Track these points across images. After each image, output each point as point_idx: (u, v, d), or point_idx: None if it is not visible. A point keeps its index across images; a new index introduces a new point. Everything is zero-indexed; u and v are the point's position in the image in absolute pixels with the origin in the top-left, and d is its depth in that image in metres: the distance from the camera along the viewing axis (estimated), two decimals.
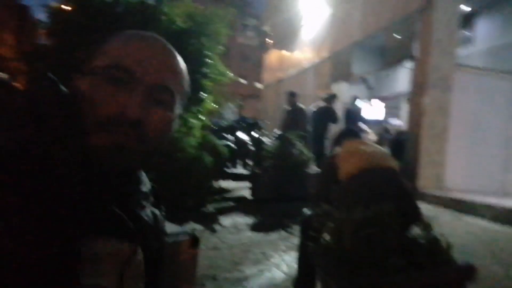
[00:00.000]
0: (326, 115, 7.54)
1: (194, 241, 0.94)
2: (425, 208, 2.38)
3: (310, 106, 8.80)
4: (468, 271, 1.75)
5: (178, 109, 0.71)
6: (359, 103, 9.43)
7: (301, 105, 7.50)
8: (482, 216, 4.71)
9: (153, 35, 0.70)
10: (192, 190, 4.52)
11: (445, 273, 1.68)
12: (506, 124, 6.89)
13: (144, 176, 0.75)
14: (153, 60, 0.65)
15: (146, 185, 0.75)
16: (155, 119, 0.64)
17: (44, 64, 4.41)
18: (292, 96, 7.63)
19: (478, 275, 1.77)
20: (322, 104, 7.83)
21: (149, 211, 0.73)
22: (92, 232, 0.57)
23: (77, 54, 3.61)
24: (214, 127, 6.92)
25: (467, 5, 11.95)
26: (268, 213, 4.91)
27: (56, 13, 4.52)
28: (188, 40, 4.66)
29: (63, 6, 4.56)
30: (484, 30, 13.64)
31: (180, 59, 0.72)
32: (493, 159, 6.82)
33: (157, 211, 0.76)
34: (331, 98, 7.82)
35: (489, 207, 4.82)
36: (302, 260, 2.48)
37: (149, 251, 0.68)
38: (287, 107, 7.69)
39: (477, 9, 13.03)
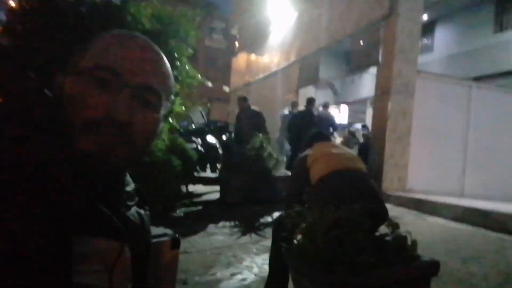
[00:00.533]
0: (311, 118, 7.63)
1: (175, 242, 0.95)
2: (390, 208, 2.48)
3: (283, 109, 8.94)
4: (432, 267, 1.84)
5: (163, 111, 0.71)
6: (328, 108, 9.65)
7: (257, 108, 7.57)
8: (443, 215, 4.92)
9: (139, 36, 0.71)
10: (160, 195, 4.46)
11: (411, 269, 1.76)
12: (464, 128, 7.22)
13: (128, 177, 0.76)
14: (139, 61, 0.66)
15: (130, 185, 0.76)
16: (142, 121, 0.65)
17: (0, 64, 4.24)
18: (244, 100, 7.69)
19: (440, 271, 1.87)
20: (302, 108, 7.94)
21: (134, 211, 0.74)
22: (81, 231, 0.57)
23: (41, 55, 3.51)
24: (183, 131, 6.86)
25: (428, 15, 12.49)
26: (239, 216, 4.92)
27: (14, 12, 4.35)
28: (155, 41, 4.59)
29: (23, 4, 4.40)
30: (443, 39, 14.26)
31: (165, 61, 0.72)
32: (452, 161, 7.14)
33: (142, 211, 0.77)
34: (312, 101, 7.94)
35: (448, 207, 5.04)
36: (275, 261, 2.51)
37: (136, 250, 0.69)
38: (240, 111, 7.71)
39: (436, 18, 13.61)
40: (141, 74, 0.65)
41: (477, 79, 10.11)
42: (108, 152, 0.61)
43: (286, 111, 9.10)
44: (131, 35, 0.71)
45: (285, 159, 7.34)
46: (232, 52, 19.84)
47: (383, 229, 2.05)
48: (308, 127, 7.53)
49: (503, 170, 7.45)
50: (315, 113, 8.11)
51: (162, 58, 0.72)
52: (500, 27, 12.35)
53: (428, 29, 13.85)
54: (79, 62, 0.65)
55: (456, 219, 4.71)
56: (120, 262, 0.63)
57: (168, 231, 1.03)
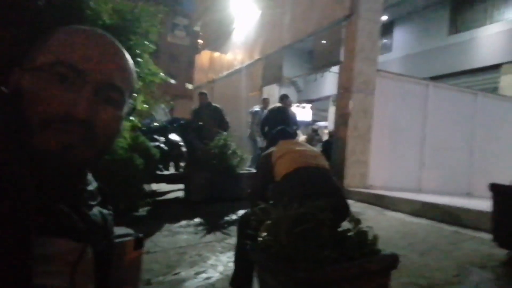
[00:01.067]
0: (285, 115, 7.67)
1: (138, 242, 0.94)
2: (351, 204, 2.55)
3: (254, 106, 8.97)
4: (392, 260, 1.91)
5: (126, 108, 0.70)
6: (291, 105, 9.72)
7: (217, 104, 7.60)
8: (401, 210, 5.09)
9: (100, 32, 0.69)
10: (122, 194, 4.36)
11: (372, 263, 1.81)
12: (421, 125, 7.51)
13: (90, 176, 0.75)
14: (101, 57, 0.65)
15: (92, 184, 0.74)
16: (104, 118, 0.63)
17: None
18: (203, 95, 7.70)
19: (400, 264, 1.94)
20: (276, 104, 7.98)
21: (96, 210, 0.72)
22: (42, 232, 0.55)
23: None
24: (145, 129, 6.73)
25: (387, 16, 12.87)
26: (203, 214, 4.89)
27: None
28: (115, 37, 4.46)
29: None
30: (401, 39, 14.75)
31: (128, 57, 0.71)
32: (410, 158, 7.40)
33: (105, 211, 0.75)
34: (286, 98, 8.00)
35: (407, 202, 5.23)
36: (240, 259, 2.52)
37: (98, 250, 0.68)
38: (199, 106, 7.70)
39: (394, 19, 14.06)
40: (103, 70, 0.64)
41: (434, 78, 10.54)
42: (69, 151, 0.60)
43: (257, 108, 9.13)
44: (92, 30, 0.69)
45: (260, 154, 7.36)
46: (196, 49, 19.66)
47: (345, 224, 2.10)
48: (285, 123, 7.61)
49: (458, 166, 7.81)
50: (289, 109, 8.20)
51: (124, 54, 0.70)
52: (455, 29, 12.92)
53: (387, 29, 14.29)
54: (38, 58, 0.62)
55: (414, 213, 4.90)
56: (82, 262, 0.62)
57: (131, 231, 1.01)
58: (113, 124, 0.66)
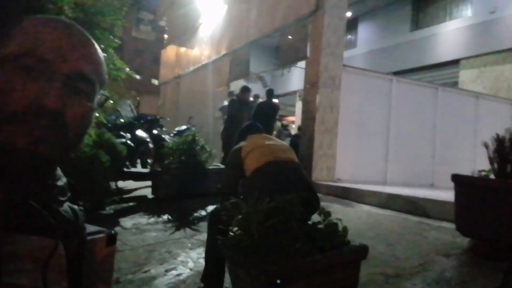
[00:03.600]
0: (274, 110, 7.68)
1: (111, 238, 0.91)
2: (320, 197, 2.58)
3: (224, 102, 8.95)
4: (362, 251, 1.95)
5: (97, 99, 0.68)
6: (259, 99, 9.79)
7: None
8: (368, 202, 5.22)
9: (68, 22, 0.67)
10: (88, 192, 4.24)
11: (342, 254, 1.84)
12: (386, 119, 7.70)
13: (59, 171, 0.72)
14: (70, 47, 0.62)
15: (62, 180, 0.71)
16: (75, 110, 0.61)
17: None
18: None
19: (368, 254, 1.99)
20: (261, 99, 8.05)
21: (67, 206, 0.70)
22: (10, 229, 0.54)
23: None
24: (111, 125, 6.57)
25: (351, 12, 13.10)
26: (172, 211, 4.84)
27: None
28: None
29: None
30: (365, 35, 15.06)
31: (97, 47, 0.69)
32: (376, 151, 7.59)
33: (75, 207, 0.73)
34: (247, 90, 8.01)
35: (373, 195, 5.36)
36: (211, 254, 2.51)
37: (70, 247, 0.66)
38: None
39: (358, 16, 14.33)
40: (72, 60, 0.62)
41: (397, 73, 10.84)
42: (37, 145, 0.57)
43: (225, 103, 9.14)
44: (59, 19, 0.66)
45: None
46: (161, 44, 19.33)
47: (315, 217, 2.13)
48: (273, 117, 7.63)
49: (421, 158, 8.07)
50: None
51: (94, 44, 0.68)
52: (416, 25, 13.33)
53: (351, 26, 14.57)
54: (0, 50, 0.59)
55: (380, 205, 5.02)
56: (54, 260, 0.59)
57: (103, 229, 0.98)
58: (84, 116, 0.64)
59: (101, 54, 0.70)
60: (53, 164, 0.67)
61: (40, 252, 0.58)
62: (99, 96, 0.69)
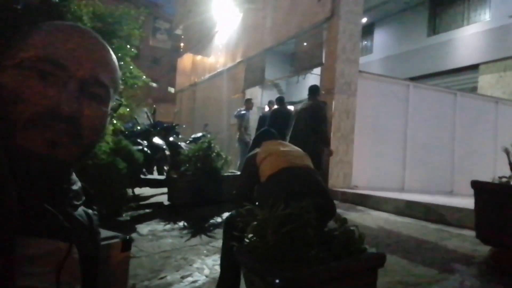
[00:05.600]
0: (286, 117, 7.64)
1: (126, 244, 0.92)
2: (336, 204, 2.56)
3: (240, 109, 8.96)
4: (379, 259, 1.92)
5: (111, 104, 0.70)
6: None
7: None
8: (386, 209, 5.14)
9: (84, 28, 0.68)
10: (105, 198, 4.29)
11: (359, 262, 1.81)
12: (403, 125, 7.61)
13: (74, 175, 0.73)
14: (86, 53, 0.63)
15: (77, 184, 0.72)
16: (90, 115, 0.62)
17: None
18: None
19: (386, 262, 1.96)
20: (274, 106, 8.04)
21: (81, 210, 0.71)
22: (26, 232, 0.54)
23: None
24: (128, 132, 6.64)
25: (367, 18, 13.05)
26: (188, 218, 4.85)
27: None
28: None
29: None
30: (381, 41, 14.96)
31: (112, 53, 0.70)
32: (393, 157, 7.49)
33: (90, 211, 0.74)
34: (282, 99, 8.00)
35: (391, 201, 5.28)
36: (226, 261, 2.50)
37: (84, 251, 0.67)
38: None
39: (374, 21, 14.26)
40: (87, 65, 0.63)
41: (414, 79, 10.71)
42: (54, 149, 0.58)
43: (243, 110, 9.16)
44: (74, 25, 0.68)
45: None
46: (177, 53, 19.55)
47: (331, 224, 2.11)
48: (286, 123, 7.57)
49: (440, 164, 7.93)
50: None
51: (109, 50, 0.69)
52: (433, 30, 13.17)
53: (367, 31, 14.48)
54: (18, 54, 0.60)
55: (398, 212, 4.95)
56: (68, 263, 0.60)
57: (118, 234, 0.99)
58: (98, 120, 0.65)
59: (115, 60, 0.71)
60: (68, 168, 0.67)
61: (54, 255, 0.58)
62: (113, 102, 0.71)
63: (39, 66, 0.59)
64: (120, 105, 0.74)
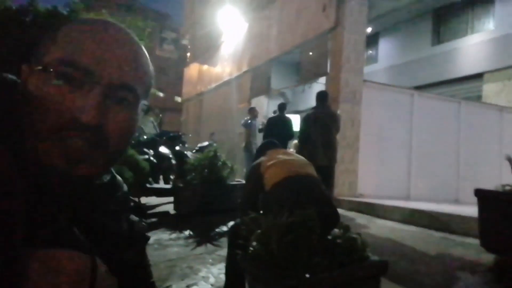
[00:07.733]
0: (288, 123, 7.63)
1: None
2: (341, 213, 2.57)
3: (246, 118, 9.00)
4: (381, 267, 1.94)
5: (140, 109, 0.64)
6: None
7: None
8: (391, 218, 5.14)
9: (116, 25, 0.62)
10: None
11: (362, 269, 1.84)
12: (408, 134, 7.61)
13: (118, 181, 0.72)
14: (114, 55, 0.58)
15: (122, 189, 0.71)
16: (117, 121, 0.58)
17: None
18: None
19: (389, 270, 1.97)
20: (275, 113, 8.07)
21: (123, 217, 0.69)
22: (47, 246, 0.52)
23: None
24: (134, 142, 6.71)
25: (371, 27, 13.11)
26: (193, 227, 4.87)
27: None
28: None
29: None
30: (386, 50, 14.99)
31: (144, 52, 0.64)
32: (398, 166, 7.49)
33: (135, 219, 0.73)
34: (283, 106, 8.02)
35: (396, 210, 5.28)
36: (231, 269, 2.52)
37: (117, 259, 0.63)
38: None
39: (379, 31, 14.32)
40: (116, 70, 0.57)
41: (418, 88, 10.71)
42: (76, 166, 0.55)
43: (249, 119, 9.21)
44: (104, 22, 0.62)
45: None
46: (184, 62, 19.71)
47: (335, 232, 2.13)
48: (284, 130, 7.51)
49: (445, 173, 7.91)
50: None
51: (141, 48, 0.64)
52: (437, 39, 13.19)
53: (372, 41, 14.53)
54: (44, 56, 0.57)
55: (403, 221, 4.94)
56: (97, 277, 0.55)
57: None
58: (125, 127, 0.60)
59: (147, 58, 0.66)
60: (94, 177, 0.64)
61: (77, 269, 0.54)
62: (143, 105, 0.65)
63: (64, 70, 0.55)
64: (148, 109, 0.67)
